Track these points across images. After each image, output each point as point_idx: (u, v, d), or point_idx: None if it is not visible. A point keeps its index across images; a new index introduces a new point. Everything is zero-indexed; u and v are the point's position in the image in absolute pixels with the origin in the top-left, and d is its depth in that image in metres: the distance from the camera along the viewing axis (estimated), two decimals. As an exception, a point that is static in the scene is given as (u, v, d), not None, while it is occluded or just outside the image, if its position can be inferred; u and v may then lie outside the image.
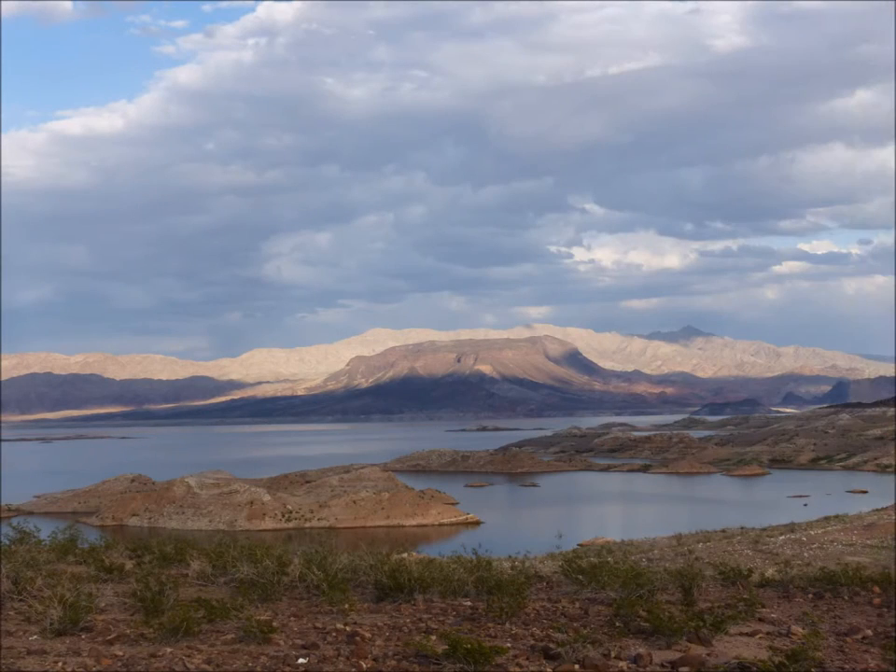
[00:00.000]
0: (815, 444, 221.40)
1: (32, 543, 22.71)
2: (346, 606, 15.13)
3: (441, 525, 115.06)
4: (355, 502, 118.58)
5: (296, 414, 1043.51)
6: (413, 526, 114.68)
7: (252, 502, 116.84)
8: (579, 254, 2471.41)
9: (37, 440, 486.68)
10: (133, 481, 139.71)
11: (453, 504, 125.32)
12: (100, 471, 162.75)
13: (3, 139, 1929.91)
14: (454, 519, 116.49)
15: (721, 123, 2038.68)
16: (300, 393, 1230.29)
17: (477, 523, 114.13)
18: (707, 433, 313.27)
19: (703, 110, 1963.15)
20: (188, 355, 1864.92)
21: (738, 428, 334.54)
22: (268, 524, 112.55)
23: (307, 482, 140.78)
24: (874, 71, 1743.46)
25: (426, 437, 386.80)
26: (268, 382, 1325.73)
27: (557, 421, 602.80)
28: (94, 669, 10.87)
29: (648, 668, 11.54)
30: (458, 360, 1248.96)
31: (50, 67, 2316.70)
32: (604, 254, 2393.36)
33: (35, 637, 12.68)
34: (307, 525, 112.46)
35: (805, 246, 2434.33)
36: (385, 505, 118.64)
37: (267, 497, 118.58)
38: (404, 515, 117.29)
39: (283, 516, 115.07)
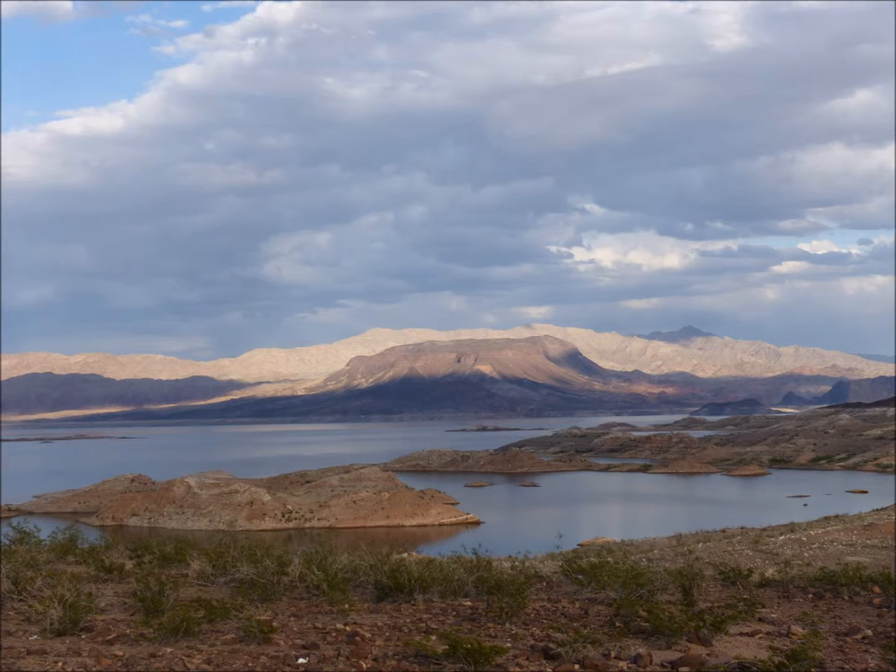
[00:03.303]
0: (815, 444, 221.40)
1: (32, 543, 22.71)
2: (346, 606, 15.14)
3: (441, 524, 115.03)
4: (355, 502, 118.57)
5: (296, 414, 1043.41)
6: (414, 526, 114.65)
7: (252, 502, 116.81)
8: (579, 254, 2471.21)
9: (37, 440, 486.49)
10: (133, 481, 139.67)
11: (453, 504, 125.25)
12: (100, 471, 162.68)
13: (3, 139, 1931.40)
14: (454, 519, 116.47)
15: (721, 123, 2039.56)
16: (300, 393, 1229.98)
17: (477, 523, 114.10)
18: (706, 433, 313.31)
19: (703, 110, 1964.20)
20: (188, 355, 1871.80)
21: (738, 428, 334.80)
22: (268, 524, 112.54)
23: (307, 482, 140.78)
24: (874, 71, 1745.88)
25: (426, 437, 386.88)
26: (268, 382, 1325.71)
27: (557, 421, 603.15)
28: (94, 669, 10.87)
29: (648, 668, 11.55)
30: (458, 360, 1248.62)
31: (50, 67, 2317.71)
32: (604, 254, 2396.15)
33: (35, 636, 12.68)
34: (307, 525, 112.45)
35: (805, 246, 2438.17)
36: (385, 505, 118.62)
37: (267, 497, 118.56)
38: (404, 515, 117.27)
39: (283, 516, 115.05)
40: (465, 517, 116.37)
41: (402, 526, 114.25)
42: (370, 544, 23.31)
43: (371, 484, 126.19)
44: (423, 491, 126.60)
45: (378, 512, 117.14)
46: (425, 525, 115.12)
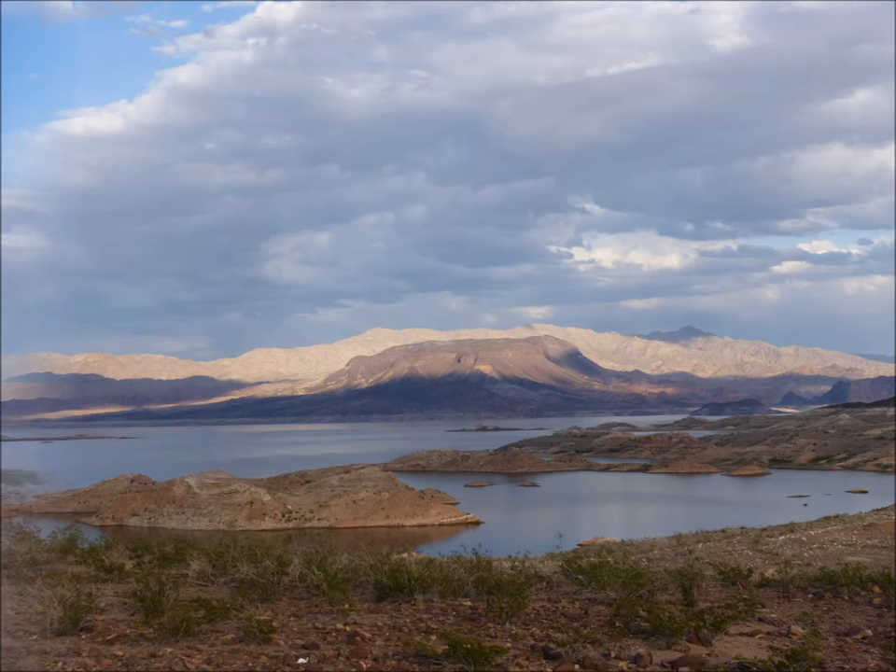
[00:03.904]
0: (815, 444, 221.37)
1: (32, 543, 22.70)
2: (346, 606, 15.14)
3: (441, 524, 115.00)
4: (355, 502, 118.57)
5: (296, 414, 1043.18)
6: (414, 526, 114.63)
7: (252, 502, 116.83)
8: (579, 254, 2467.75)
9: (37, 440, 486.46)
10: (133, 481, 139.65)
11: (453, 504, 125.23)
12: (100, 471, 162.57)
13: (3, 139, 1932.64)
14: (454, 519, 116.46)
15: (721, 123, 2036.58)
16: (300, 393, 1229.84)
17: (477, 523, 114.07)
18: (706, 433, 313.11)
19: (703, 110, 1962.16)
20: (188, 355, 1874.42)
21: (738, 428, 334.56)
22: (268, 524, 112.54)
23: (307, 482, 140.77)
24: (874, 71, 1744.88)
25: (426, 437, 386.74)
26: (268, 382, 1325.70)
27: (557, 421, 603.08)
28: (94, 669, 10.88)
29: (648, 668, 11.55)
30: (458, 360, 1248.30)
31: (50, 67, 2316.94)
32: (604, 254, 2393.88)
33: (34, 636, 12.68)
34: (307, 525, 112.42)
35: (805, 246, 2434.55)
36: (385, 505, 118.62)
37: (267, 497, 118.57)
38: (404, 515, 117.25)
39: (283, 516, 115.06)
40: (465, 517, 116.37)
41: (402, 526, 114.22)
42: (370, 544, 23.31)
43: (371, 484, 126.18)
44: (423, 491, 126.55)
45: (378, 512, 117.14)
46: (425, 525, 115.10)
